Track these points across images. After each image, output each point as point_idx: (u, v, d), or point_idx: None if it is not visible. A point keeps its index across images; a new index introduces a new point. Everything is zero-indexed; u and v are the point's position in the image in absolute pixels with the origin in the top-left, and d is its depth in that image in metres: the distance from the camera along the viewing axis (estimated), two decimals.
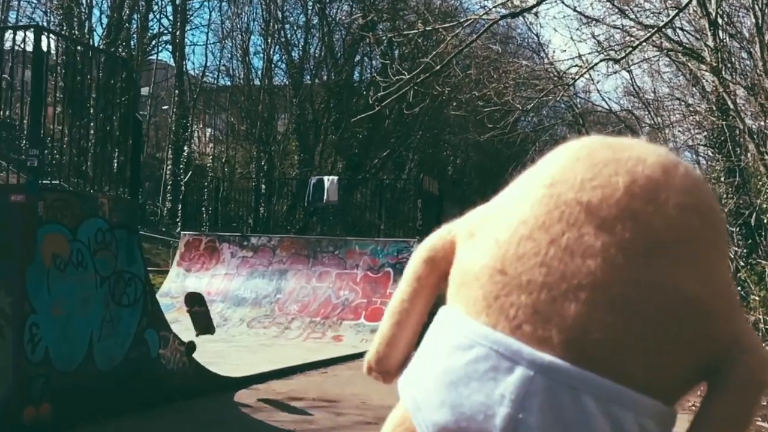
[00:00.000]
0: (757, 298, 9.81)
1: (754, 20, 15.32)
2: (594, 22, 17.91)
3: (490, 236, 0.67)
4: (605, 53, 14.70)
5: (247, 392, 8.72)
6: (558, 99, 16.62)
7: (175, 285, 15.25)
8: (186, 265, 15.52)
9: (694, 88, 22.18)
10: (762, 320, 10.27)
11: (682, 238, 0.64)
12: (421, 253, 0.75)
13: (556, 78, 14.70)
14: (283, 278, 15.02)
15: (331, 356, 11.27)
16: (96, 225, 6.80)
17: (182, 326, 12.96)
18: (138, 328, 7.31)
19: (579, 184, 0.64)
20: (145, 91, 38.04)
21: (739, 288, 13.71)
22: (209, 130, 35.15)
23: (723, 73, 15.34)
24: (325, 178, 17.08)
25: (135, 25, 33.13)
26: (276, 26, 31.86)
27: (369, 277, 14.18)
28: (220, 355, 10.74)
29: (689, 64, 20.41)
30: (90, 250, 6.72)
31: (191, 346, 9.10)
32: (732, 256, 11.74)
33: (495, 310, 0.64)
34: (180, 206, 30.05)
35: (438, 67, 9.90)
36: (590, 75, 18.28)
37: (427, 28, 10.93)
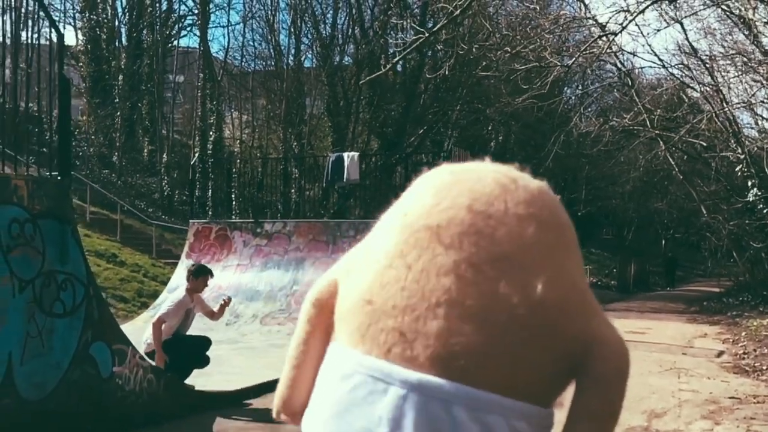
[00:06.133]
0: None
1: None
2: None
3: (361, 270, 0.72)
4: None
5: (235, 411, 7.21)
6: (603, 53, 14.71)
7: (184, 280, 13.82)
8: (195, 256, 14.04)
9: (753, 45, 20.12)
10: None
11: (525, 246, 0.69)
12: (309, 296, 0.79)
13: (600, 27, 12.80)
14: (300, 268, 13.48)
15: None
16: (9, 214, 5.29)
17: (204, 325, 11.52)
18: (80, 342, 5.80)
19: (427, 210, 0.70)
20: (179, 78, 37.02)
21: None
22: (237, 114, 33.78)
23: None
24: (345, 154, 15.47)
25: (158, 8, 31.93)
26: (303, 2, 30.32)
27: None
28: (218, 361, 9.22)
29: (746, 15, 18.39)
30: (2, 248, 5.23)
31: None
32: None
33: (368, 338, 0.69)
34: (209, 194, 28.82)
35: (458, 12, 8.18)
36: (639, 27, 16.31)
37: None
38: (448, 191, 0.71)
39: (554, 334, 0.68)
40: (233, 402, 7.50)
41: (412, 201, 0.73)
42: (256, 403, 7.67)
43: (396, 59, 9.31)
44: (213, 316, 8.26)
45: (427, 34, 8.41)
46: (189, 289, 7.66)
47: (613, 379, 0.70)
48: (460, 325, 0.66)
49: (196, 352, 7.68)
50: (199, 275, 7.76)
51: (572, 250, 0.74)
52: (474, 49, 14.09)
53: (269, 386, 8.16)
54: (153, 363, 7.04)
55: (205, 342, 7.84)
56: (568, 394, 0.72)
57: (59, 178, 5.74)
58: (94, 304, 5.95)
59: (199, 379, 7.79)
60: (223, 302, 8.05)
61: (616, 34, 11.77)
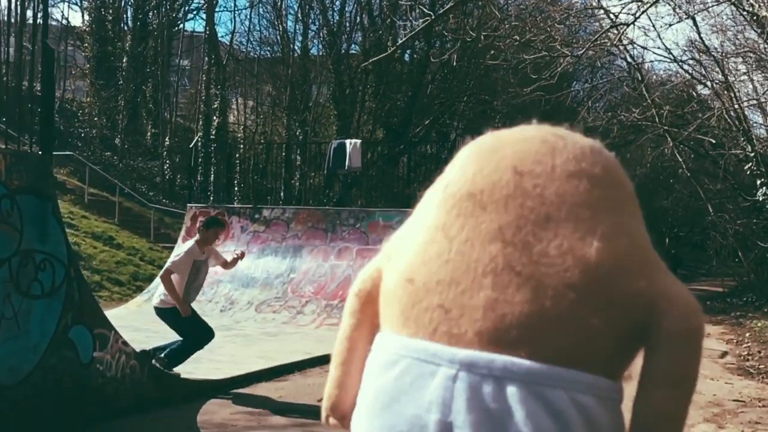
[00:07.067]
0: None
1: None
2: None
3: (402, 252, 0.69)
4: None
5: (220, 401, 6.98)
6: (614, 45, 14.40)
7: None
8: None
9: (765, 44, 19.78)
10: None
11: (577, 204, 0.64)
12: (352, 288, 0.76)
13: (612, 17, 12.49)
14: (298, 256, 13.24)
15: None
16: None
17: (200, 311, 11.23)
18: (59, 325, 5.56)
19: (471, 178, 0.67)
20: (184, 62, 36.72)
21: None
22: (242, 100, 33.51)
23: None
24: (347, 141, 15.23)
25: None
26: None
27: None
28: (208, 348, 8.93)
29: (759, 12, 18.08)
30: None
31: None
32: None
33: (412, 320, 0.65)
34: (212, 179, 28.55)
35: None
36: (651, 20, 15.99)
37: None
38: (492, 155, 0.68)
39: (614, 295, 0.63)
40: (220, 391, 7.27)
41: (454, 171, 0.69)
42: (245, 392, 7.45)
43: (402, 40, 9.13)
44: (226, 265, 8.05)
45: (434, 16, 8.13)
46: (199, 241, 7.42)
47: (684, 337, 0.64)
48: (509, 293, 0.61)
49: (202, 339, 7.42)
50: (210, 227, 7.52)
51: (629, 206, 0.68)
52: (482, 37, 13.80)
53: (258, 376, 7.96)
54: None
55: (210, 334, 7.54)
56: (637, 368, 0.63)
57: (40, 153, 5.50)
58: (74, 286, 5.71)
59: (188, 366, 7.56)
60: (236, 256, 7.93)
61: (628, 25, 11.48)
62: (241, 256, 8.05)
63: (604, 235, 0.63)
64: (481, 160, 0.68)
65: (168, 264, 7.35)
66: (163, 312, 7.21)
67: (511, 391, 0.59)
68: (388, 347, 0.67)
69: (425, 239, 0.66)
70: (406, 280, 0.66)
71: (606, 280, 0.63)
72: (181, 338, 7.31)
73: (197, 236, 7.48)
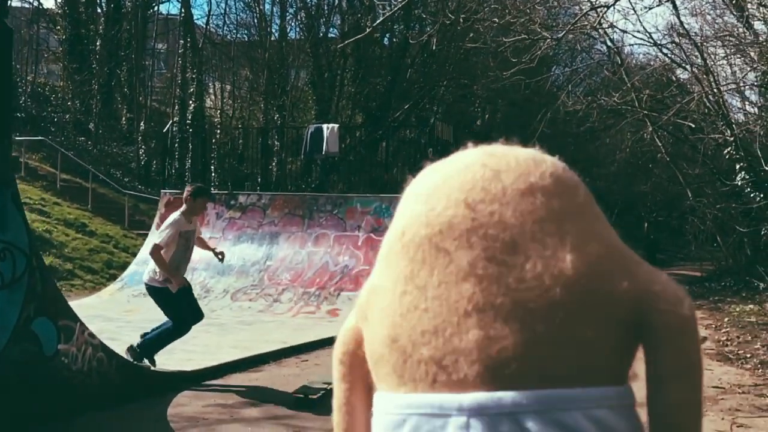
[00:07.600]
0: None
1: None
2: None
3: (377, 309, 0.67)
4: None
5: (193, 393, 6.77)
6: (593, 27, 14.25)
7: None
8: None
9: (746, 30, 19.77)
10: None
11: (538, 221, 0.63)
12: (335, 354, 0.74)
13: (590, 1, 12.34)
14: (274, 243, 13.02)
15: (320, 337, 9.21)
16: None
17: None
18: (20, 317, 5.32)
19: (425, 220, 0.65)
20: (160, 46, 36.19)
21: None
22: (219, 84, 33.06)
23: None
24: (324, 126, 15.00)
25: None
26: None
27: (372, 240, 12.03)
28: (181, 338, 8.79)
29: None
30: None
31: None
32: None
33: (408, 376, 0.64)
34: (188, 165, 28.14)
35: None
36: (630, 3, 15.84)
37: None
38: (439, 191, 0.66)
39: (601, 300, 0.62)
40: (192, 382, 7.05)
41: (405, 216, 0.67)
42: (218, 383, 7.25)
43: (381, 19, 9.01)
44: (202, 243, 7.78)
45: None
46: (185, 211, 7.04)
47: (678, 327, 0.63)
48: (498, 327, 0.61)
49: (190, 319, 7.16)
50: (198, 196, 7.14)
51: (589, 207, 0.68)
52: (461, 20, 13.63)
53: (232, 366, 7.77)
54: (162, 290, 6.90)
55: (200, 314, 7.27)
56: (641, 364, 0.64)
57: None
58: (37, 276, 5.47)
59: (160, 357, 7.35)
60: (216, 253, 7.82)
61: (608, 8, 11.33)
62: (222, 258, 7.89)
63: (575, 245, 0.63)
64: (429, 199, 0.66)
65: (156, 239, 7.08)
66: (152, 290, 6.99)
67: (528, 425, 0.58)
68: (391, 408, 0.64)
69: (398, 292, 0.64)
70: (389, 339, 0.64)
71: (589, 290, 0.62)
72: (160, 325, 7.10)
73: (183, 207, 7.16)
